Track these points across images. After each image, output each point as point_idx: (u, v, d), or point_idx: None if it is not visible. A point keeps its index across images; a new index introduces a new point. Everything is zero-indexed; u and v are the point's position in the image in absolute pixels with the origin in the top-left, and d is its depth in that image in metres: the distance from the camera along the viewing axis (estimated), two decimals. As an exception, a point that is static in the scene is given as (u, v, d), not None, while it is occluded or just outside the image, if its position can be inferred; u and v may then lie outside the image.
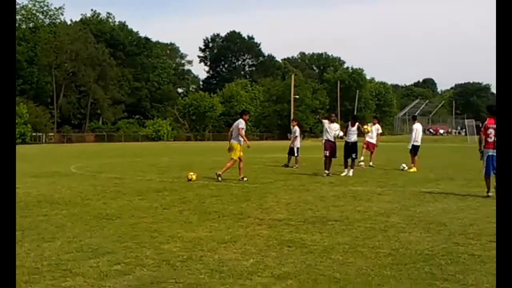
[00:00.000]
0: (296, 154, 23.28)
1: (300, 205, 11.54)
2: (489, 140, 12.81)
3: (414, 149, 20.77)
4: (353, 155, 18.88)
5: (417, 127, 21.26)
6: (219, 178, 16.52)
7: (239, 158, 17.24)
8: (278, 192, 13.86)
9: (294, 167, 22.42)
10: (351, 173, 18.55)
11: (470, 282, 5.86)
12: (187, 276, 6.09)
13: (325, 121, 19.31)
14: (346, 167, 18.83)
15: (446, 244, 7.67)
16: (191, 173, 16.63)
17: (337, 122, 20.02)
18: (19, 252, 7.19)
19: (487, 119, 13.20)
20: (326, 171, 18.45)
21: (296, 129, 24.22)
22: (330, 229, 8.83)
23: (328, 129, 18.82)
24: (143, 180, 17.21)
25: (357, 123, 19.80)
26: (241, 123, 17.38)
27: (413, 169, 20.17)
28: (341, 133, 19.05)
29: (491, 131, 12.76)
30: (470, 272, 6.25)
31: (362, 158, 22.81)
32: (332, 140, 18.77)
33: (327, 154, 18.60)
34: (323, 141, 19.08)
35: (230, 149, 17.35)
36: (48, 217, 10.01)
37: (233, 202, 11.91)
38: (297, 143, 23.56)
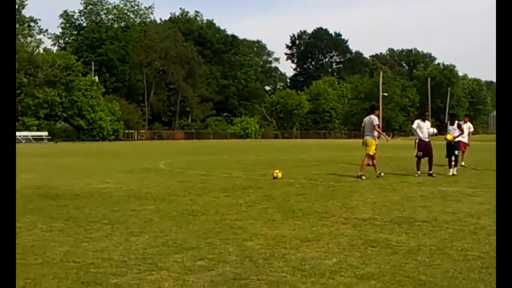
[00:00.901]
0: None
1: (386, 204, 11.33)
2: None
3: None
4: (456, 152, 18.65)
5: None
6: (363, 177, 16.69)
7: (373, 154, 17.44)
8: (363, 191, 13.66)
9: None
10: (455, 172, 18.32)
11: None
12: (269, 274, 6.09)
13: (417, 120, 18.82)
14: (450, 166, 18.50)
15: (540, 248, 7.31)
16: (277, 171, 16.65)
17: (429, 120, 19.46)
18: (108, 245, 7.44)
19: None
20: (418, 172, 17.91)
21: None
22: (416, 230, 8.61)
23: (420, 128, 18.34)
24: (229, 177, 17.40)
25: (456, 122, 19.40)
26: (375, 120, 17.51)
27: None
28: (435, 131, 18.56)
29: None
30: None
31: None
32: (426, 139, 18.27)
33: (420, 155, 18.10)
34: (417, 140, 18.57)
35: (365, 145, 17.53)
36: (136, 212, 10.28)
37: (317, 201, 11.84)
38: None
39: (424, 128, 18.29)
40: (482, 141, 53.11)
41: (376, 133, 17.53)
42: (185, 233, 8.31)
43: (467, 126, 22.46)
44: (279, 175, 16.42)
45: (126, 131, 78.98)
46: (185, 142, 66.28)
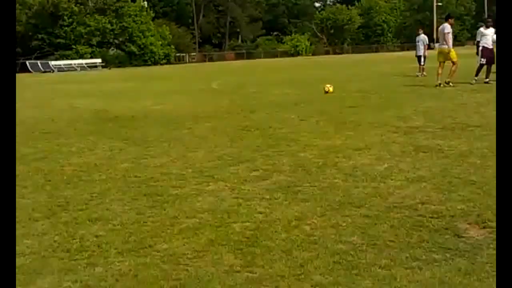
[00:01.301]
0: (422, 63, 23.07)
1: (439, 112, 11.31)
2: None
3: None
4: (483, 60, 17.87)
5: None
6: (451, 84, 16.85)
7: (453, 62, 17.40)
8: (416, 101, 13.59)
9: (420, 75, 22.03)
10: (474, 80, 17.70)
11: None
12: (322, 180, 6.29)
13: (480, 28, 18.40)
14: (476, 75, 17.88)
15: None
16: (328, 85, 16.63)
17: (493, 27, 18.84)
18: (167, 161, 7.76)
19: None
20: (476, 78, 17.62)
21: (421, 38, 23.57)
22: (468, 135, 8.64)
23: (484, 35, 17.89)
24: (280, 94, 17.52)
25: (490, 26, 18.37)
26: (446, 28, 17.46)
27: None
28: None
29: None
30: None
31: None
32: (490, 46, 17.82)
33: (483, 62, 17.72)
34: (480, 48, 18.13)
35: (443, 54, 17.56)
36: (192, 130, 10.58)
37: (369, 112, 11.89)
38: (422, 51, 23.26)
39: (488, 35, 17.83)
40: None
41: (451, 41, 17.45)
42: (239, 147, 8.56)
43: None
44: (331, 89, 16.42)
45: (177, 54, 79.13)
46: (236, 63, 66.24)
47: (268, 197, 5.73)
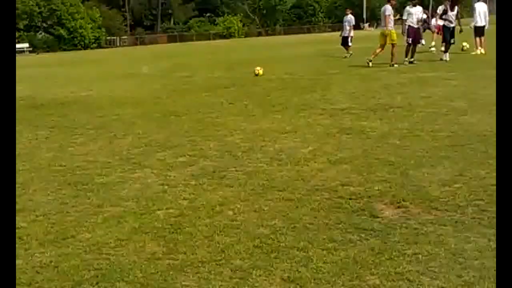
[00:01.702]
0: (349, 44, 23.47)
1: (364, 94, 11.59)
2: None
3: (476, 31, 19.90)
4: (452, 41, 18.16)
5: (478, 7, 20.30)
6: (395, 65, 17.02)
7: (392, 44, 17.49)
8: (343, 82, 13.87)
9: (348, 56, 22.45)
10: (447, 58, 17.92)
11: (525, 160, 5.89)
12: (247, 165, 6.41)
13: (407, 7, 18.49)
14: (446, 51, 18.11)
15: (507, 125, 7.63)
16: (258, 68, 16.74)
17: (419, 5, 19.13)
18: (93, 149, 7.73)
19: None
20: (406, 59, 17.80)
21: (348, 18, 23.83)
22: (391, 116, 8.91)
23: (410, 14, 18.09)
24: (211, 77, 17.52)
25: (456, 7, 18.49)
26: (387, 10, 17.65)
27: (477, 52, 19.49)
28: (425, 16, 18.40)
29: None
30: (527, 150, 6.26)
31: (433, 43, 22.21)
32: (416, 25, 18.12)
33: (410, 41, 17.86)
34: (406, 27, 18.24)
35: (384, 35, 17.71)
36: (120, 116, 10.52)
37: (297, 94, 12.06)
38: (348, 32, 23.61)
39: (413, 14, 17.99)
40: (466, 25, 52.14)
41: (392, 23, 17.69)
42: (167, 133, 8.58)
43: (452, 14, 22.23)
44: (261, 72, 16.53)
45: (108, 38, 77.71)
46: (168, 46, 65.62)
47: (193, 183, 5.80)
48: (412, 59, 17.71)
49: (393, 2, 17.74)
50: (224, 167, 6.33)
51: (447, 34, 18.13)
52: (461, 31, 18.73)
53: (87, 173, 6.44)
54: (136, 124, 9.55)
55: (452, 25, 18.01)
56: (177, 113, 10.48)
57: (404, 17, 18.28)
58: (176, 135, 8.34)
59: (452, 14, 18.08)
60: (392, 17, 17.70)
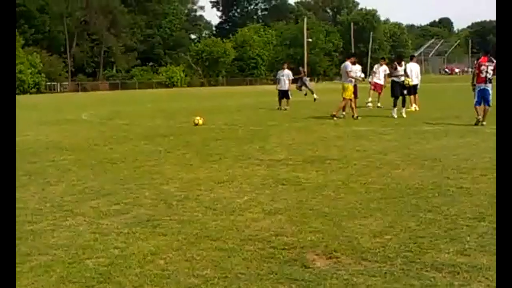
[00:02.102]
0: (290, 97, 24.10)
1: (301, 146, 11.76)
2: (481, 75, 14.86)
3: (411, 88, 20.55)
4: (405, 92, 18.52)
5: (411, 67, 21.06)
6: (335, 118, 17.52)
7: (351, 98, 18.03)
8: (281, 134, 14.06)
9: (287, 108, 22.96)
10: (404, 113, 18.22)
11: (453, 212, 6.07)
12: (182, 214, 6.37)
13: (347, 63, 19.17)
14: (395, 105, 18.24)
15: (437, 179, 7.88)
16: (198, 118, 16.81)
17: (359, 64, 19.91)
18: (24, 196, 7.51)
19: (481, 57, 15.39)
20: (344, 113, 18.51)
21: (286, 72, 24.45)
22: (326, 168, 9.05)
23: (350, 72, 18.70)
24: (151, 125, 17.48)
25: (403, 63, 19.44)
26: (348, 66, 18.31)
27: (411, 109, 20.14)
28: (362, 75, 18.99)
29: (484, 68, 14.81)
30: (455, 203, 6.45)
31: (369, 99, 22.90)
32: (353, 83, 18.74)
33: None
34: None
35: (343, 89, 18.10)
36: (55, 163, 10.32)
37: (236, 145, 12.14)
38: (288, 85, 24.21)
39: (353, 72, 18.74)
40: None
41: (351, 79, 18.24)
42: (102, 181, 8.46)
43: (383, 69, 23.04)
44: (200, 121, 16.60)
45: (48, 83, 76.73)
46: (109, 93, 65.20)
47: (126, 231, 5.71)
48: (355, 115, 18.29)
49: (352, 60, 18.90)
50: (158, 216, 6.27)
51: (397, 89, 18.38)
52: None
53: (16, 220, 6.25)
54: (71, 171, 9.38)
55: (402, 80, 18.39)
56: (114, 160, 10.36)
57: (342, 73, 18.99)
58: (112, 183, 8.23)
59: (400, 70, 18.82)
60: (352, 73, 18.44)
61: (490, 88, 14.79)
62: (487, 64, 14.91)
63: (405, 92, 18.52)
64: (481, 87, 14.99)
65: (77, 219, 6.27)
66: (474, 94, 15.25)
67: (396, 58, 19.27)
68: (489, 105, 14.75)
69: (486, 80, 14.93)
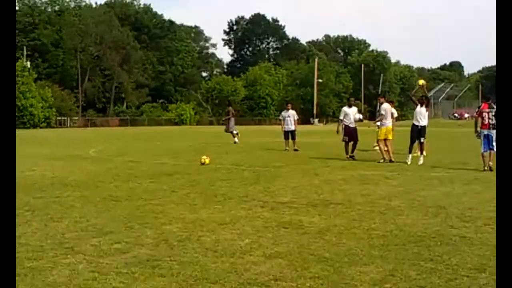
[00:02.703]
0: (295, 138, 24.09)
1: (306, 188, 11.75)
2: (484, 122, 15.38)
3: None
4: (422, 139, 17.52)
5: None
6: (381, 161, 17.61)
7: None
8: (287, 176, 14.06)
9: (296, 149, 23.02)
10: (421, 160, 17.24)
11: (454, 262, 6.03)
12: (182, 255, 6.35)
13: (344, 107, 19.56)
14: (410, 152, 17.49)
15: (440, 227, 7.84)
16: (205, 157, 16.87)
17: (356, 106, 20.05)
18: (27, 231, 7.53)
19: (482, 104, 15.78)
20: (347, 156, 18.68)
21: (293, 113, 24.46)
22: (330, 212, 9.03)
23: (347, 114, 18.99)
24: (157, 163, 17.52)
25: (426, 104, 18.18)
26: (343, 111, 19.36)
27: (418, 154, 19.74)
28: (361, 116, 19.12)
29: (485, 115, 15.24)
30: (457, 253, 6.41)
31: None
32: (352, 125, 18.93)
33: (346, 139, 18.87)
34: (343, 126, 19.20)
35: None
36: (59, 199, 10.34)
37: (241, 186, 12.15)
38: (294, 126, 24.16)
39: (350, 114, 18.95)
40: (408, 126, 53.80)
41: (385, 121, 18.28)
42: (105, 218, 8.47)
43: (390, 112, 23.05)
44: (207, 161, 16.65)
45: (59, 118, 77.39)
46: (119, 129, 65.65)
47: (125, 271, 5.71)
48: (352, 154, 18.64)
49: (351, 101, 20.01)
50: (158, 256, 6.26)
51: (415, 133, 17.61)
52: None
53: (17, 257, 6.26)
54: (75, 208, 9.41)
55: (422, 123, 17.56)
56: (118, 198, 10.39)
57: (341, 117, 19.15)
58: (114, 221, 8.24)
59: (420, 111, 17.71)
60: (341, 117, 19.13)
61: (494, 134, 14.80)
62: (488, 110, 15.28)
63: (422, 139, 17.49)
64: (485, 133, 15.23)
65: (77, 257, 6.27)
66: (481, 141, 15.33)
67: (419, 99, 18.38)
68: (494, 150, 14.85)
69: (489, 126, 15.14)
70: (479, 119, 15.58)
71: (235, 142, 27.60)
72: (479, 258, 6.21)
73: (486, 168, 14.98)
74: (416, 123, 17.63)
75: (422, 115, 17.59)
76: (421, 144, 17.53)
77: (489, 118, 15.21)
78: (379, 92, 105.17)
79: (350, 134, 18.78)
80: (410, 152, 17.46)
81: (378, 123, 18.67)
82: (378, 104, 20.62)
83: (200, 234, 7.37)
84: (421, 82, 19.34)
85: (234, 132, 28.70)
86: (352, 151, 18.70)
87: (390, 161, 17.46)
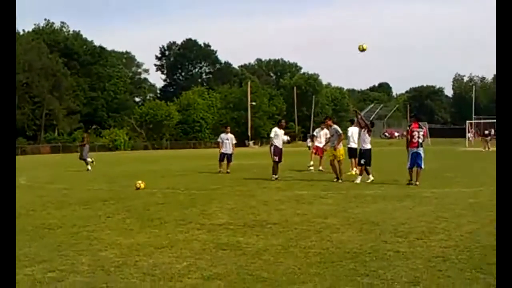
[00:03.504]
0: (232, 161, 24.24)
1: (243, 209, 11.78)
2: (414, 140, 16.35)
3: (350, 152, 21.04)
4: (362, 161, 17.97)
5: (352, 130, 21.42)
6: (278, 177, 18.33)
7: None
8: (223, 198, 14.06)
9: (228, 171, 23.16)
10: (359, 179, 17.69)
11: (389, 277, 6.17)
12: (120, 281, 6.27)
13: (275, 128, 19.80)
14: (368, 173, 17.85)
15: (375, 243, 8.01)
16: (139, 182, 16.69)
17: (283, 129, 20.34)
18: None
19: (412, 124, 16.79)
20: (275, 176, 18.98)
21: (231, 136, 24.61)
22: (267, 232, 9.09)
23: (277, 135, 19.31)
24: (91, 189, 17.22)
25: (371, 130, 18.61)
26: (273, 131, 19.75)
27: (352, 172, 20.47)
28: (288, 138, 19.41)
29: (415, 134, 16.21)
30: (392, 267, 6.57)
31: (311, 162, 23.27)
32: (280, 146, 19.29)
33: (277, 160, 19.07)
34: (273, 147, 19.45)
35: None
36: (-11, 229, 10.02)
37: (177, 209, 12.07)
38: (232, 149, 24.31)
39: (280, 135, 19.29)
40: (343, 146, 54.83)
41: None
42: (38, 247, 8.26)
43: (324, 133, 23.51)
44: (142, 185, 16.48)
45: (-14, 146, 75.22)
46: (50, 156, 64.16)
47: (60, 300, 5.59)
48: (276, 176, 19.10)
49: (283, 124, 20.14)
50: (95, 284, 6.16)
51: (365, 156, 17.96)
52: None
53: None
54: (6, 237, 9.13)
55: (368, 147, 17.94)
56: (51, 226, 10.15)
57: (272, 135, 19.45)
58: (48, 249, 8.05)
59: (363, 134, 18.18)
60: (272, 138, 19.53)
61: (422, 151, 16.37)
62: (418, 130, 16.46)
63: (362, 161, 17.92)
64: (414, 151, 16.32)
65: (10, 287, 6.08)
66: (408, 157, 16.48)
67: (371, 124, 19.12)
68: (421, 167, 16.33)
69: (418, 145, 16.34)
70: (409, 137, 16.55)
71: (88, 170, 27.32)
72: (412, 271, 6.38)
73: (412, 182, 16.23)
74: (364, 146, 18.06)
75: (366, 138, 18.12)
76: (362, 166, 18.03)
77: (418, 137, 16.34)
78: (312, 114, 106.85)
79: (280, 155, 19.10)
80: (368, 173, 17.87)
81: (335, 144, 19.22)
82: (326, 127, 21.63)
83: (137, 259, 7.29)
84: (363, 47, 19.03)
85: (88, 160, 28.50)
86: (276, 172, 19.30)
87: (338, 178, 18.08)
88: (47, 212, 12.16)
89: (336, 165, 18.49)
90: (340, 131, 19.28)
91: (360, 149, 18.25)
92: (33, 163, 41.80)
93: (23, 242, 8.64)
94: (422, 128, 16.44)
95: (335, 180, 17.99)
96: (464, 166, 27.05)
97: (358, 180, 17.54)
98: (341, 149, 19.19)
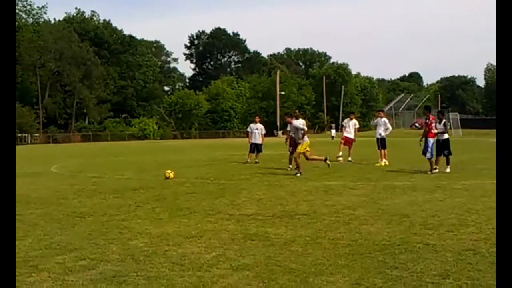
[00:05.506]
0: (262, 151, 24.35)
1: (271, 200, 11.79)
2: (433, 131, 17.47)
3: (381, 143, 21.15)
4: (445, 152, 17.83)
5: (377, 121, 22.09)
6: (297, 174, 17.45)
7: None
8: (252, 188, 14.08)
9: (258, 162, 23.21)
10: (448, 170, 17.43)
11: (419, 269, 6.12)
12: (149, 270, 6.32)
13: (289, 119, 19.65)
14: (436, 164, 17.46)
15: (404, 235, 7.95)
16: (169, 171, 16.81)
17: (302, 118, 20.25)
18: (-11, 250, 7.39)
19: (430, 116, 17.75)
20: (291, 166, 19.45)
21: (261, 126, 24.51)
22: (295, 223, 9.09)
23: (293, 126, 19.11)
24: (121, 179, 17.39)
25: (444, 120, 18.49)
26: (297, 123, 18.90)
27: (381, 163, 20.49)
28: (305, 128, 19.25)
29: (434, 125, 17.58)
30: (421, 260, 6.52)
31: (340, 153, 23.14)
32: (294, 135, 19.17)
33: (291, 150, 19.59)
34: (288, 137, 20.30)
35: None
36: (22, 217, 10.17)
37: (206, 199, 12.13)
38: (261, 139, 24.27)
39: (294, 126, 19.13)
40: (370, 137, 54.68)
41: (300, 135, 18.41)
42: (70, 235, 8.38)
43: (353, 123, 23.44)
44: (171, 175, 16.58)
45: (19, 135, 76.26)
46: (81, 145, 64.93)
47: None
48: (291, 166, 19.44)
49: (296, 114, 19.83)
50: (124, 272, 6.22)
51: (438, 147, 17.88)
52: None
53: (-21, 276, 6.15)
54: (38, 225, 9.28)
55: (443, 138, 17.92)
56: (82, 214, 10.29)
57: (288, 129, 19.53)
58: (79, 238, 8.16)
59: (439, 126, 18.00)
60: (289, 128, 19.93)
61: (434, 142, 17.60)
62: (435, 122, 17.81)
63: (446, 152, 17.87)
64: (432, 142, 17.47)
65: (41, 275, 6.19)
66: (428, 148, 17.35)
67: (438, 113, 19.25)
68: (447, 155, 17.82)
69: (436, 135, 17.65)
70: (428, 129, 17.60)
71: None
72: (442, 264, 6.32)
73: (434, 171, 17.11)
74: (439, 138, 18.15)
75: (440, 130, 18.16)
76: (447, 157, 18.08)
77: (436, 128, 17.64)
78: (341, 104, 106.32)
79: (295, 145, 18.84)
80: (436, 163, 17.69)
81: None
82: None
83: (166, 249, 7.35)
84: None
85: None
86: (290, 162, 19.69)
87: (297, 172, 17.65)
88: (78, 200, 12.32)
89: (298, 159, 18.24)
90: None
91: (439, 140, 18.02)
92: (64, 151, 42.31)
93: (55, 230, 8.79)
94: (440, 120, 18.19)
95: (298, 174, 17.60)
96: (495, 157, 26.67)
97: (448, 170, 17.53)
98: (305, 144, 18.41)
